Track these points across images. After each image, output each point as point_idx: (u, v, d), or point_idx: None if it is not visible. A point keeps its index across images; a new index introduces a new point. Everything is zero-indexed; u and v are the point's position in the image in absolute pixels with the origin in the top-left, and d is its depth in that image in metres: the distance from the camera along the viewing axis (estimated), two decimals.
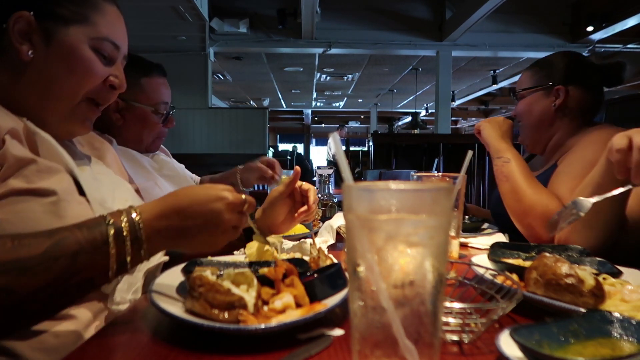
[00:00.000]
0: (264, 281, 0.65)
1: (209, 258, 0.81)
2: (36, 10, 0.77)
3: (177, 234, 0.66)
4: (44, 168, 0.71)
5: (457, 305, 0.60)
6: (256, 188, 3.52)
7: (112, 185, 0.73)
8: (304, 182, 1.14)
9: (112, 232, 0.60)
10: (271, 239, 0.98)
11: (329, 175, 1.80)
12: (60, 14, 0.78)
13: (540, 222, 1.15)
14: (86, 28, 0.80)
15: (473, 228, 1.47)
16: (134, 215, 0.63)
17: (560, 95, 1.37)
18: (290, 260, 0.73)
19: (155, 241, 0.64)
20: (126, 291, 0.80)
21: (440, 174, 1.05)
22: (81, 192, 0.77)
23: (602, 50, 7.74)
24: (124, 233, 0.61)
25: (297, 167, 1.12)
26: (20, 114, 0.77)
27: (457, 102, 12.52)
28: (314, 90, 12.14)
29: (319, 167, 1.86)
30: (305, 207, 1.11)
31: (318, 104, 15.20)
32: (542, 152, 1.48)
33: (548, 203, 1.16)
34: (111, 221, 0.61)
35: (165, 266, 0.93)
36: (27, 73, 0.77)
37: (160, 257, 0.91)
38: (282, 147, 15.92)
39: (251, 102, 14.23)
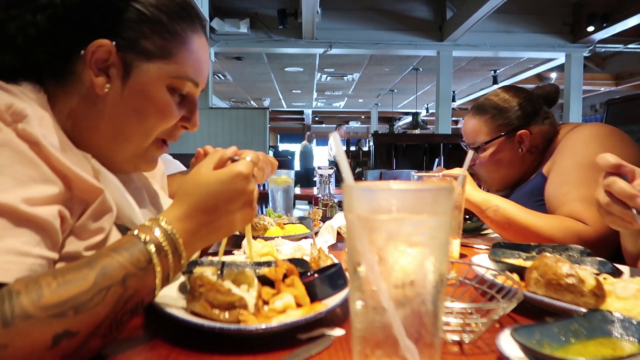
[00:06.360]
0: (265, 281, 0.65)
1: (209, 258, 0.81)
2: (119, 40, 0.67)
3: (210, 230, 0.63)
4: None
5: (457, 305, 0.60)
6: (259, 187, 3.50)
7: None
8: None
9: (153, 249, 0.56)
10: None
11: (330, 175, 1.80)
12: (144, 47, 0.69)
13: (568, 240, 1.08)
14: (169, 65, 0.71)
15: (474, 228, 1.47)
16: (164, 224, 0.59)
17: (524, 139, 1.32)
18: (290, 260, 0.73)
19: (192, 245, 0.62)
20: None
21: (440, 173, 1.05)
22: None
23: (603, 50, 7.74)
24: (164, 247, 0.57)
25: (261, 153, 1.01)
26: (84, 148, 0.70)
27: (458, 102, 12.54)
28: (314, 91, 12.16)
29: (319, 167, 1.86)
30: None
31: (318, 104, 15.22)
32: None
33: (564, 224, 1.11)
34: (147, 238, 0.56)
35: None
36: (97, 107, 0.69)
37: None
38: (283, 147, 15.89)
39: (252, 102, 14.24)
